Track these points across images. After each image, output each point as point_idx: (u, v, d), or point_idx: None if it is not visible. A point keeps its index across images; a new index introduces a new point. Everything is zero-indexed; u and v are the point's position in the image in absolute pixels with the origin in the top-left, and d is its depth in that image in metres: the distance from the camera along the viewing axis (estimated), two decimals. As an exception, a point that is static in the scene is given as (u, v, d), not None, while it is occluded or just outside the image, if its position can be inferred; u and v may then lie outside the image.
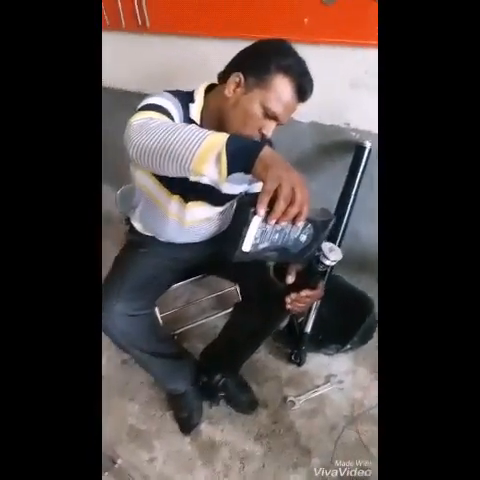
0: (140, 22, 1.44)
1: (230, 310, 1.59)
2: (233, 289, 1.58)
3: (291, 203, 0.61)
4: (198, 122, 0.96)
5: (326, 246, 0.77)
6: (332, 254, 0.77)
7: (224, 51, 1.38)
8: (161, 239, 1.18)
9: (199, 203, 1.08)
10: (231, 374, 1.32)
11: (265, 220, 0.63)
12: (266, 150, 0.65)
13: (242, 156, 0.65)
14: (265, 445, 1.23)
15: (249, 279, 1.18)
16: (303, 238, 0.69)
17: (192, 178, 0.74)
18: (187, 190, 1.04)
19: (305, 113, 1.36)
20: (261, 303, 1.11)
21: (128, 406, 1.38)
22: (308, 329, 1.39)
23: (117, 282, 1.08)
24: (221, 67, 1.46)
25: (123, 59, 1.70)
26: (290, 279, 0.87)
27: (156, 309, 1.48)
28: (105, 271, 1.13)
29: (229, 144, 0.64)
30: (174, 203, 1.07)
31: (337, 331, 1.44)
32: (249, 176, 1.05)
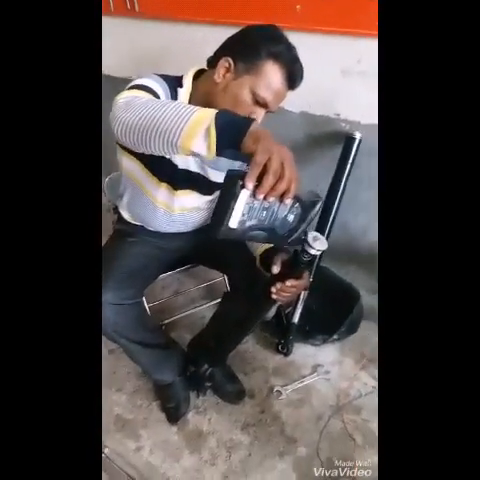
0: (129, 6, 1.40)
1: (218, 301, 1.60)
2: (221, 279, 1.58)
3: (280, 178, 0.60)
4: None
5: (311, 235, 0.76)
6: (317, 243, 0.75)
7: (214, 37, 1.35)
8: (149, 228, 1.17)
9: (188, 191, 1.07)
10: (218, 364, 1.32)
11: (253, 195, 0.60)
12: (255, 125, 0.64)
13: (232, 130, 0.63)
14: (252, 434, 1.24)
15: (236, 269, 1.17)
16: (290, 218, 0.68)
17: (179, 156, 0.72)
18: (176, 178, 1.03)
19: (295, 103, 1.35)
20: (247, 293, 1.11)
21: (115, 396, 1.37)
22: (295, 319, 1.39)
23: (104, 271, 1.07)
24: (210, 53, 1.44)
25: (110, 44, 1.65)
26: (275, 269, 0.87)
27: (143, 299, 1.48)
28: None
29: (218, 118, 0.63)
30: (162, 191, 1.05)
31: (324, 322, 1.45)
32: (238, 163, 1.04)
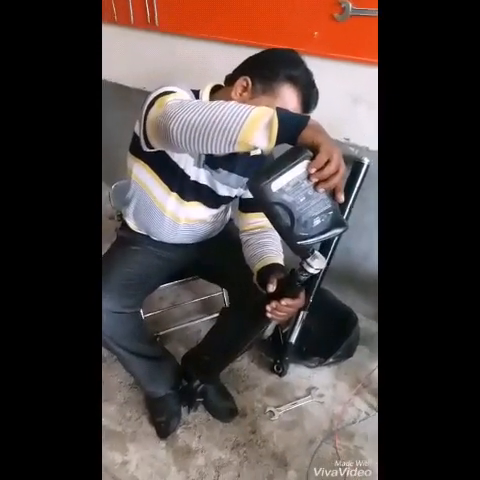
0: (149, 20, 1.44)
1: (214, 316, 1.59)
2: (219, 294, 1.57)
3: (336, 174, 0.63)
4: None
5: (311, 257, 0.75)
6: (316, 262, 0.74)
7: (230, 57, 1.39)
8: (153, 238, 1.17)
9: (195, 203, 1.08)
10: (211, 380, 1.30)
11: (308, 177, 0.63)
12: (313, 121, 0.66)
13: (292, 123, 0.65)
14: (242, 455, 1.21)
15: (235, 284, 1.17)
16: (316, 222, 0.67)
17: (235, 151, 0.73)
18: (186, 189, 1.04)
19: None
20: (244, 309, 1.10)
21: (103, 406, 1.34)
22: (293, 339, 1.38)
23: (105, 278, 1.06)
24: (225, 72, 1.47)
25: (127, 55, 1.69)
26: (271, 288, 0.87)
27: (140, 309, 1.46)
28: None
29: (279, 112, 0.65)
30: (171, 201, 1.06)
31: (321, 344, 1.44)
32: (245, 180, 1.05)
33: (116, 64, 1.76)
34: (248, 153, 1.02)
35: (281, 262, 1.01)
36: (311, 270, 0.74)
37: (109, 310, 1.01)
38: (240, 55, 1.36)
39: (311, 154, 0.62)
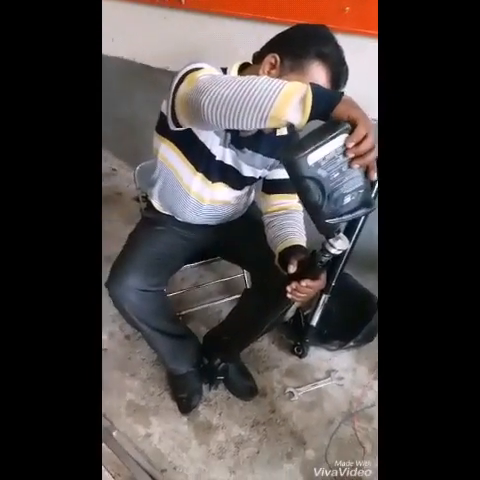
0: (175, -3, 1.42)
1: (236, 297, 1.61)
2: (240, 276, 1.58)
3: (371, 150, 0.62)
4: None
5: (335, 238, 0.73)
6: (338, 243, 0.72)
7: (256, 34, 1.36)
8: (178, 218, 1.18)
9: (220, 184, 1.08)
10: (231, 359, 1.33)
11: (344, 153, 0.61)
12: (347, 96, 0.65)
13: (327, 98, 0.64)
14: (261, 432, 1.24)
15: (256, 266, 1.18)
16: (347, 200, 0.66)
17: (267, 126, 0.73)
18: (212, 169, 1.04)
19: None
20: (264, 291, 1.11)
21: (128, 381, 1.39)
22: (314, 322, 1.39)
23: (132, 257, 1.09)
24: (251, 50, 1.44)
25: (151, 35, 1.67)
26: (291, 268, 0.87)
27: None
28: (116, 248, 1.14)
29: (313, 88, 0.64)
30: (197, 181, 1.06)
31: (342, 328, 1.44)
32: (271, 161, 1.03)
33: (140, 44, 1.75)
34: (274, 133, 1.01)
35: (303, 244, 1.00)
36: (333, 251, 0.73)
37: (135, 288, 1.03)
38: (267, 32, 1.33)
39: (350, 127, 0.61)
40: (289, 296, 0.88)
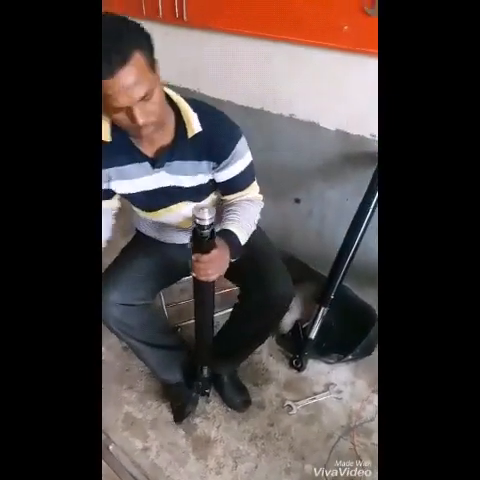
0: (177, 14, 1.44)
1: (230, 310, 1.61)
2: (236, 289, 1.58)
3: None
4: None
5: (195, 210, 0.77)
6: (200, 213, 0.76)
7: (257, 51, 1.39)
8: (162, 240, 1.19)
9: (175, 206, 1.08)
10: (224, 371, 1.33)
11: None
12: None
13: None
14: (259, 447, 1.23)
15: (242, 281, 1.18)
16: None
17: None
18: (156, 200, 1.06)
19: (332, 120, 1.36)
20: (250, 305, 1.13)
21: (126, 393, 1.38)
22: (313, 335, 1.39)
23: (115, 272, 1.12)
24: (252, 67, 1.47)
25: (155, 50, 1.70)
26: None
27: (162, 299, 1.49)
28: (111, 260, 1.17)
29: None
30: (155, 213, 1.10)
31: (340, 340, 1.44)
32: (203, 164, 1.00)
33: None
34: (186, 137, 0.95)
35: (233, 229, 0.99)
36: (202, 222, 0.77)
37: (116, 302, 1.05)
38: (268, 49, 1.36)
39: None
40: (192, 274, 0.89)
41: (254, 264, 1.10)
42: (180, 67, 1.65)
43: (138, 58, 0.77)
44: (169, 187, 1.02)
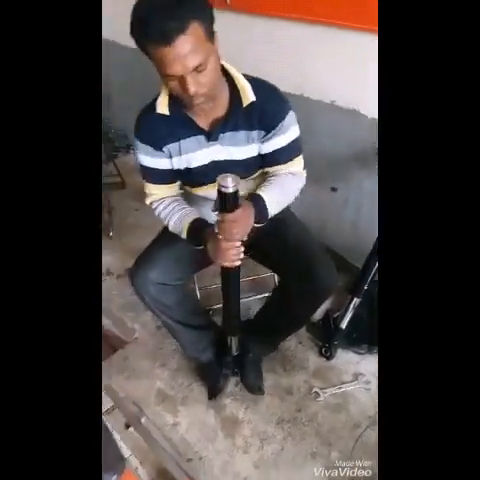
0: (220, -3, 1.44)
1: (265, 295, 1.63)
2: (270, 276, 1.60)
3: None
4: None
5: (221, 178, 0.78)
6: (224, 181, 0.78)
7: (298, 35, 1.37)
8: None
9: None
10: (257, 352, 1.36)
11: None
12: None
13: None
14: (286, 430, 1.25)
15: (281, 268, 1.19)
16: None
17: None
18: (207, 175, 1.05)
19: (373, 108, 1.33)
20: (288, 292, 1.14)
21: (158, 371, 1.44)
22: (343, 325, 1.39)
23: (155, 252, 1.16)
24: (293, 50, 1.44)
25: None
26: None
27: (196, 282, 1.53)
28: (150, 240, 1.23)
29: None
30: (204, 189, 1.10)
31: (371, 332, 1.43)
32: (254, 133, 1.00)
33: None
34: (241, 105, 0.96)
35: (261, 193, 1.00)
36: (227, 190, 0.80)
37: (154, 281, 1.10)
38: (310, 33, 1.34)
39: None
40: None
41: (298, 253, 1.10)
42: (221, 48, 1.65)
43: (196, 27, 0.78)
44: (221, 161, 1.04)
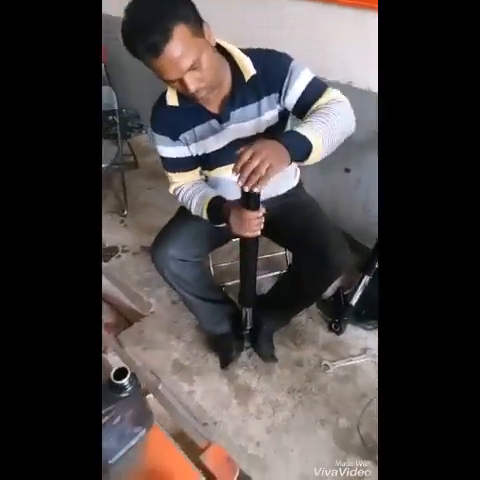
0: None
1: (277, 273, 1.68)
2: (282, 254, 1.64)
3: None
4: None
5: None
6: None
7: (338, 19, 1.37)
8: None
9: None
10: (269, 326, 1.42)
11: None
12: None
13: None
14: (297, 399, 1.32)
15: (294, 247, 1.23)
16: None
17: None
18: (225, 155, 1.07)
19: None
20: (300, 271, 1.18)
21: (174, 342, 1.50)
22: (353, 302, 1.43)
23: (174, 229, 1.21)
24: (332, 34, 1.44)
25: (231, 19, 1.69)
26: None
27: (210, 259, 1.58)
28: (165, 219, 1.28)
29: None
30: (225, 170, 1.13)
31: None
32: (264, 102, 1.01)
33: (220, 29, 1.78)
34: (244, 80, 0.97)
35: (299, 130, 0.86)
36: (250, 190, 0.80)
37: (174, 257, 1.15)
38: (350, 17, 1.34)
39: None
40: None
41: (311, 231, 1.13)
42: (258, 34, 1.65)
43: (181, 29, 0.80)
44: (237, 140, 1.06)
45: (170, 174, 1.16)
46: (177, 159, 1.11)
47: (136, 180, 2.34)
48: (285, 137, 0.84)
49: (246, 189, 0.79)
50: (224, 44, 0.98)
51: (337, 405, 1.30)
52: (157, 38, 0.78)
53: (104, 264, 1.82)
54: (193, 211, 1.14)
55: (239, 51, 0.98)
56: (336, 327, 1.47)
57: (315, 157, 0.87)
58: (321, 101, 0.95)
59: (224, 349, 1.42)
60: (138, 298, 1.68)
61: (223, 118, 1.02)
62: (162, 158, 1.13)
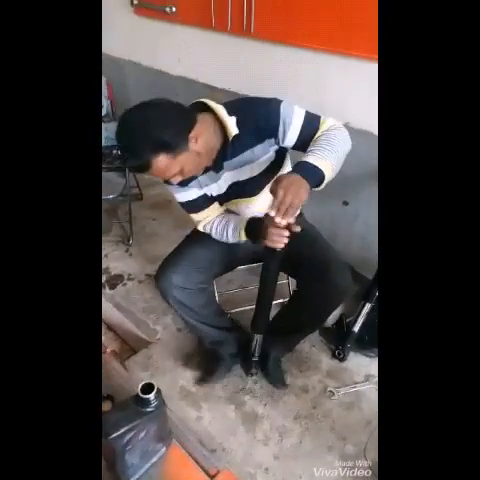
0: (245, 27, 1.58)
1: (279, 301, 1.72)
2: (285, 282, 1.70)
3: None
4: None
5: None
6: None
7: (318, 64, 1.51)
8: None
9: (244, 200, 1.21)
10: (276, 353, 1.44)
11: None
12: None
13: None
14: (303, 425, 1.34)
15: (307, 274, 1.27)
16: None
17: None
18: (227, 197, 1.20)
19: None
20: (303, 298, 1.25)
21: (180, 369, 1.52)
22: (356, 329, 1.48)
23: (178, 257, 1.27)
24: (313, 78, 1.57)
25: (219, 60, 1.84)
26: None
27: (214, 286, 1.63)
28: (166, 247, 1.35)
29: None
30: (232, 207, 1.24)
31: (381, 336, 1.52)
32: (258, 148, 1.07)
33: (208, 67, 1.92)
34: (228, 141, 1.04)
35: (309, 159, 0.93)
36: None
37: (177, 285, 1.21)
38: (330, 63, 1.47)
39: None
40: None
41: (314, 258, 1.20)
42: (245, 75, 1.79)
43: (160, 159, 0.94)
44: (237, 182, 1.15)
45: (192, 215, 1.24)
46: (193, 201, 1.20)
47: (141, 211, 2.41)
48: (300, 169, 0.91)
49: (284, 223, 0.89)
50: (211, 104, 1.03)
51: (343, 431, 1.32)
52: (139, 163, 0.94)
53: (110, 292, 1.86)
54: (231, 238, 1.20)
55: (224, 112, 1.02)
56: (339, 354, 1.51)
57: (326, 182, 0.96)
58: (319, 132, 1.01)
59: (213, 364, 1.44)
60: (144, 325, 1.70)
61: (217, 169, 1.11)
62: (181, 204, 1.22)
